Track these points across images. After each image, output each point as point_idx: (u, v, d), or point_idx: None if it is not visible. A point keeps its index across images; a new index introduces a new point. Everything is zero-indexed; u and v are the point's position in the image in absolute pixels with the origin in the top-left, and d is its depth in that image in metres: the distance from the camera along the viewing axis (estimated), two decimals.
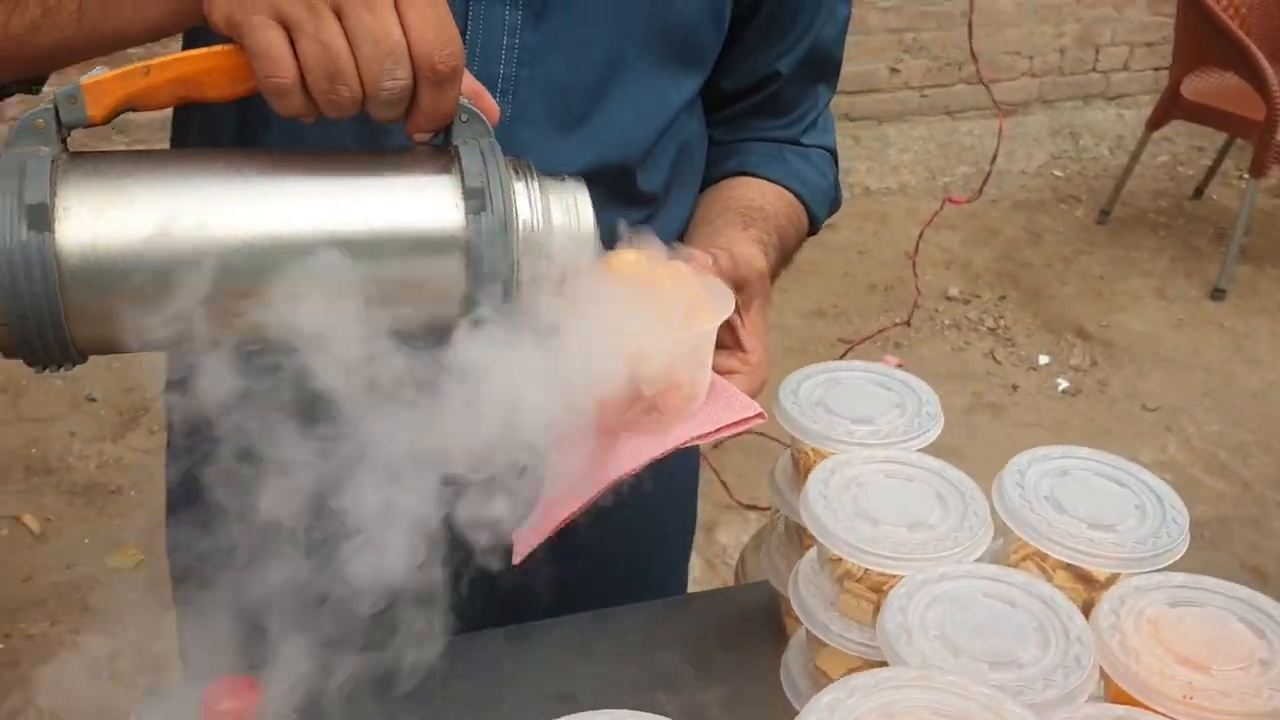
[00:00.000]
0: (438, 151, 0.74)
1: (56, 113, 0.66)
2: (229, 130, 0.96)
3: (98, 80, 0.66)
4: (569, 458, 0.77)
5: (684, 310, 0.79)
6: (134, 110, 0.68)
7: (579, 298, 0.73)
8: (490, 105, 0.77)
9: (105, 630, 0.89)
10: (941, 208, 3.28)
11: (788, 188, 1.17)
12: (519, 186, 0.74)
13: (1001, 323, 3.79)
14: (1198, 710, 0.69)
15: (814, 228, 1.22)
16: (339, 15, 0.67)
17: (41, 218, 0.62)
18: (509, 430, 0.70)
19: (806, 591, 0.89)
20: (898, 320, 3.47)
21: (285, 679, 0.97)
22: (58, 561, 2.86)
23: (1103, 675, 0.75)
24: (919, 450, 0.93)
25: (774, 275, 1.12)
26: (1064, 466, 0.90)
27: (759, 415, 0.84)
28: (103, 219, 0.64)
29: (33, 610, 2.74)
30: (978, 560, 0.84)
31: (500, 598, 1.14)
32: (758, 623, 1.04)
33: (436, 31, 0.69)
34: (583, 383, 0.72)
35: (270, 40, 0.66)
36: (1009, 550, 0.89)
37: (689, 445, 0.82)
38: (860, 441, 0.93)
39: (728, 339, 0.90)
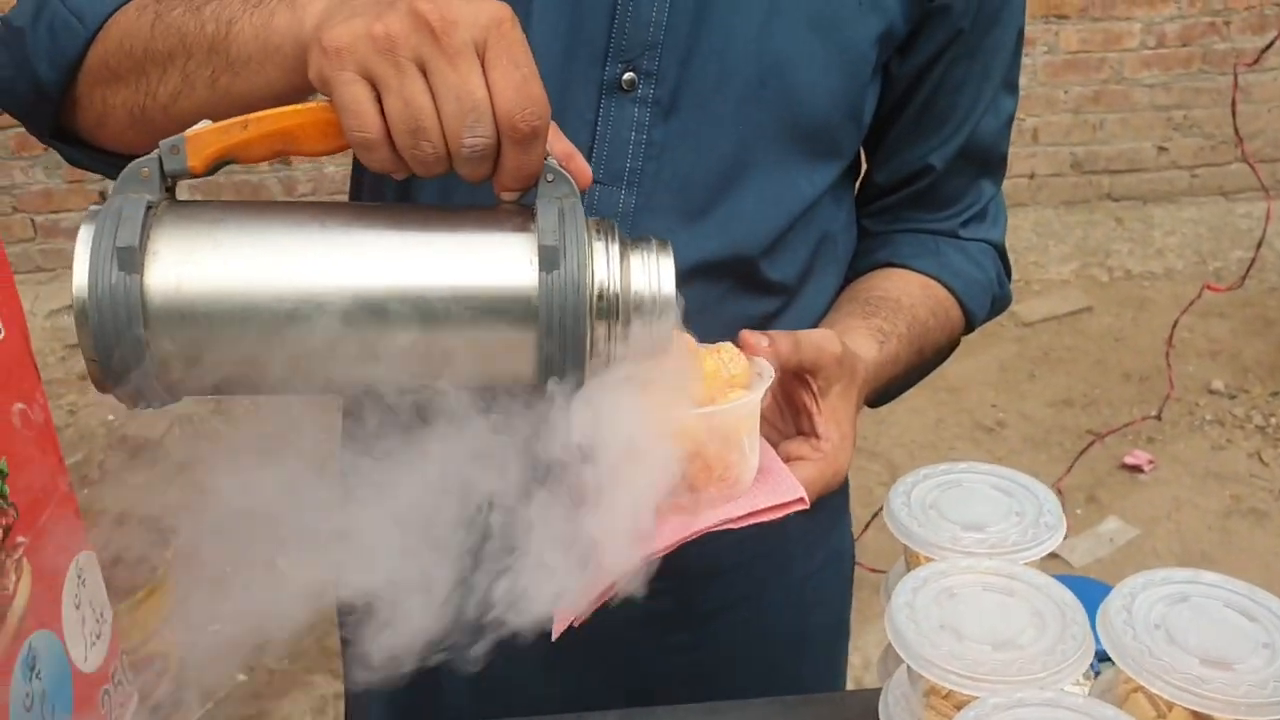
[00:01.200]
0: (521, 210, 0.75)
1: (160, 162, 0.70)
2: (390, 192, 1.02)
3: (199, 132, 0.70)
4: (607, 534, 0.78)
5: (719, 390, 0.78)
6: (234, 162, 0.72)
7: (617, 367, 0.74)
8: (581, 167, 0.77)
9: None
10: (1199, 294, 3.05)
11: (939, 280, 1.14)
12: (598, 247, 0.73)
13: (1272, 421, 3.48)
14: None
15: (971, 323, 1.18)
16: (425, 73, 0.69)
17: (130, 260, 0.66)
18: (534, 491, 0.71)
19: (896, 706, 0.86)
20: (1150, 414, 3.24)
21: None
22: (302, 601, 3.08)
23: None
24: (1028, 563, 0.88)
25: (908, 369, 1.09)
26: (1184, 592, 0.82)
27: (800, 500, 0.82)
28: (188, 263, 0.67)
29: (277, 645, 2.95)
30: (1081, 685, 0.78)
31: (632, 673, 1.16)
32: None
33: (519, 91, 0.70)
34: (608, 456, 0.72)
35: (356, 95, 0.69)
36: (1119, 681, 0.82)
37: (721, 528, 0.81)
38: (965, 550, 0.89)
39: (804, 425, 0.88)
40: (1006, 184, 1.21)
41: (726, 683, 1.19)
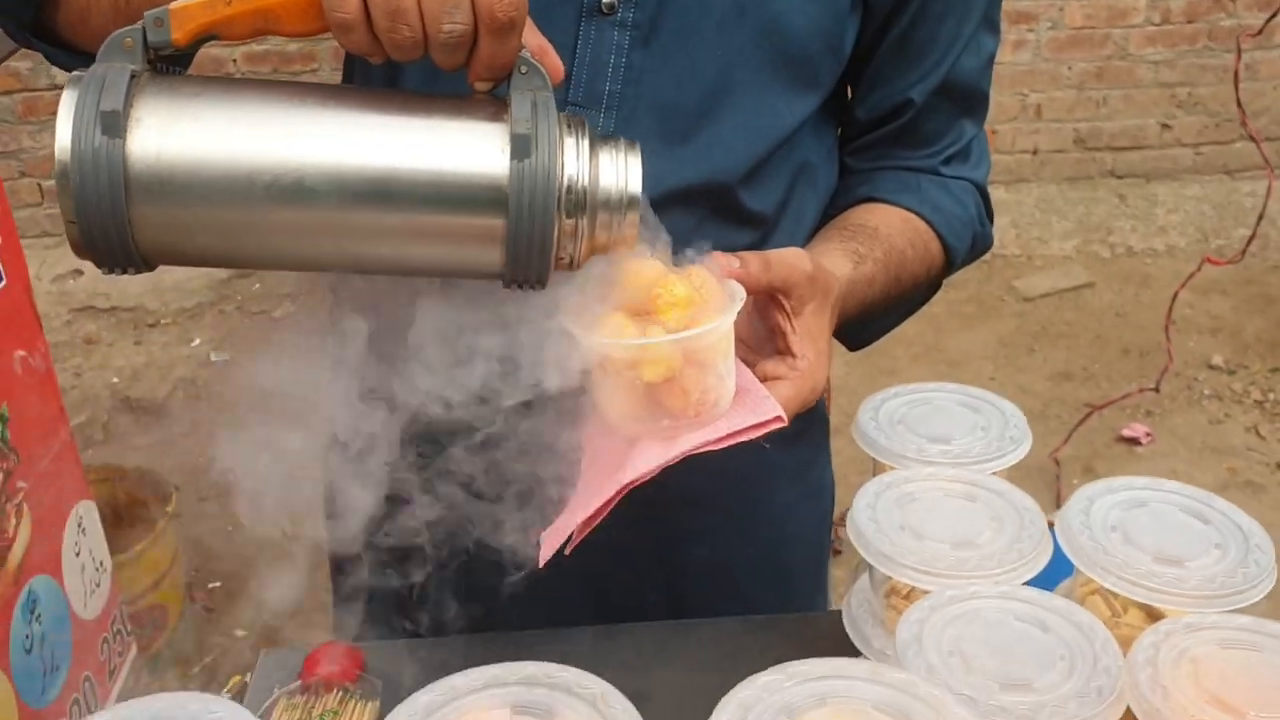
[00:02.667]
0: (495, 101, 0.75)
1: (144, 34, 0.71)
2: (377, 83, 1.02)
3: (184, 5, 0.71)
4: (590, 460, 0.78)
5: (691, 315, 0.78)
6: (216, 38, 0.73)
7: (588, 285, 0.75)
8: (555, 63, 0.78)
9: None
10: (1199, 269, 3.05)
11: (919, 214, 1.15)
12: (569, 141, 0.74)
13: (1271, 396, 3.48)
14: None
15: (951, 258, 1.19)
16: None
17: (114, 124, 0.67)
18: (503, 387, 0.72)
19: (859, 609, 0.88)
20: (1146, 385, 3.25)
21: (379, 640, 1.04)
22: (304, 563, 3.11)
23: (1131, 716, 0.70)
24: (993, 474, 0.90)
25: (885, 296, 1.10)
26: (1142, 498, 0.84)
27: (778, 419, 0.82)
28: (169, 132, 0.69)
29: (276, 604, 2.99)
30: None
31: (600, 598, 1.18)
32: (844, 648, 1.02)
33: None
34: (581, 382, 0.73)
35: None
36: (1076, 584, 0.84)
37: (702, 450, 0.81)
38: (930, 460, 0.91)
39: (779, 344, 0.89)
40: (1009, 160, 1.21)
41: (701, 614, 1.21)
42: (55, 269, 4.09)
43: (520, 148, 0.72)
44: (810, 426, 1.27)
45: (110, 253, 0.71)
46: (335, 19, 0.71)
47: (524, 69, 0.74)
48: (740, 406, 0.82)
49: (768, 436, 0.85)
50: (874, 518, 0.83)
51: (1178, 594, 0.76)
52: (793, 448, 1.23)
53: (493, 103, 0.75)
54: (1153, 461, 3.24)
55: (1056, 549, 0.84)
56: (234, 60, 4.05)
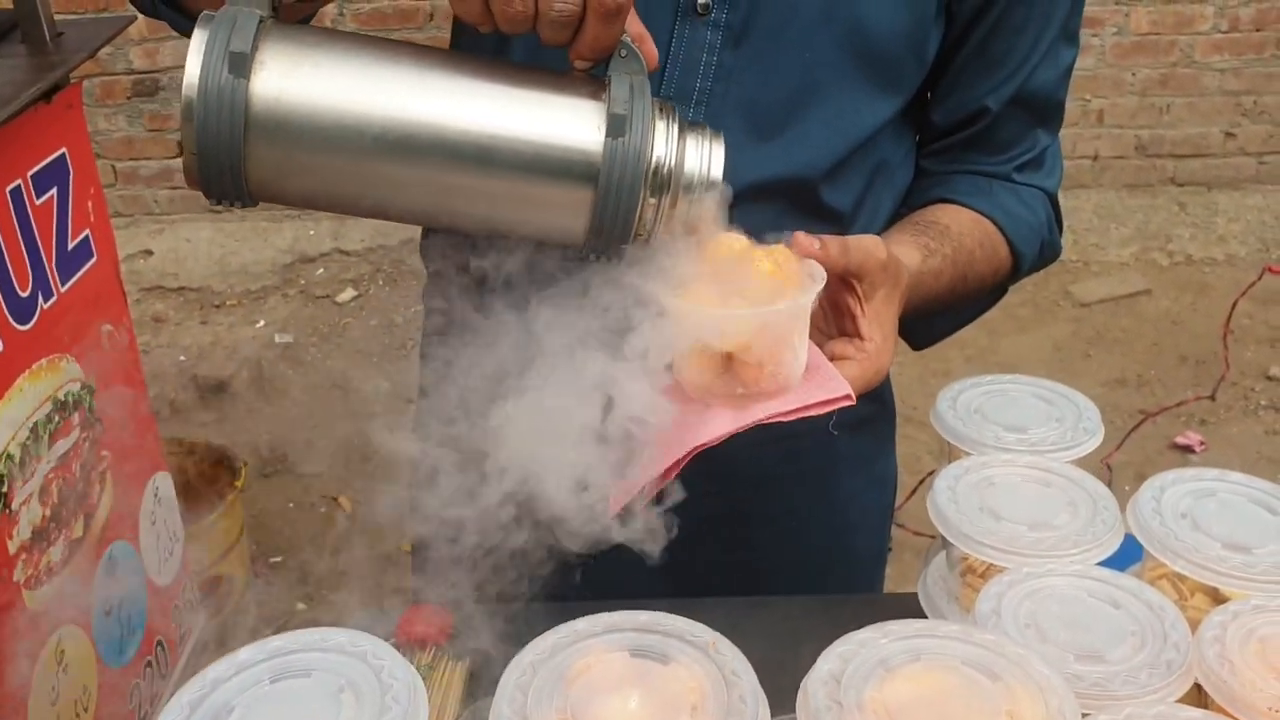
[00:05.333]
0: (595, 81, 0.79)
1: None
2: (485, 52, 1.08)
3: None
4: (664, 422, 0.81)
5: (771, 290, 0.82)
6: None
7: (675, 256, 0.79)
8: (651, 50, 0.82)
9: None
10: (1260, 278, 3.05)
11: (990, 218, 1.18)
12: (660, 125, 0.79)
13: None
14: None
15: (1018, 263, 1.23)
16: None
17: (240, 65, 0.71)
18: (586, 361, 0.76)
19: (934, 586, 0.92)
20: (1201, 394, 3.25)
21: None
22: (362, 540, 3.19)
23: (1199, 690, 0.73)
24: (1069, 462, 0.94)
25: (951, 292, 1.14)
26: (1212, 488, 0.88)
27: (846, 397, 0.85)
28: (290, 77, 0.73)
29: (336, 580, 3.07)
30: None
31: (673, 572, 1.23)
32: None
33: None
34: (657, 342, 0.76)
35: None
36: (1145, 568, 0.87)
37: (772, 421, 0.84)
38: (1007, 448, 0.95)
39: (849, 326, 0.93)
40: (1069, 165, 1.24)
41: (764, 593, 1.25)
42: (126, 249, 4.20)
43: (616, 127, 0.76)
44: (877, 418, 1.31)
45: (221, 185, 0.75)
46: None
47: (624, 53, 0.78)
48: (809, 382, 0.85)
49: (834, 422, 0.89)
50: (954, 499, 0.87)
51: (1246, 578, 0.80)
52: (859, 437, 1.27)
53: (591, 82, 0.80)
54: None
55: (1126, 537, 0.88)
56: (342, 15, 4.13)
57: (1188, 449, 3.30)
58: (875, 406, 1.28)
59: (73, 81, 1.90)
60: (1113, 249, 4.24)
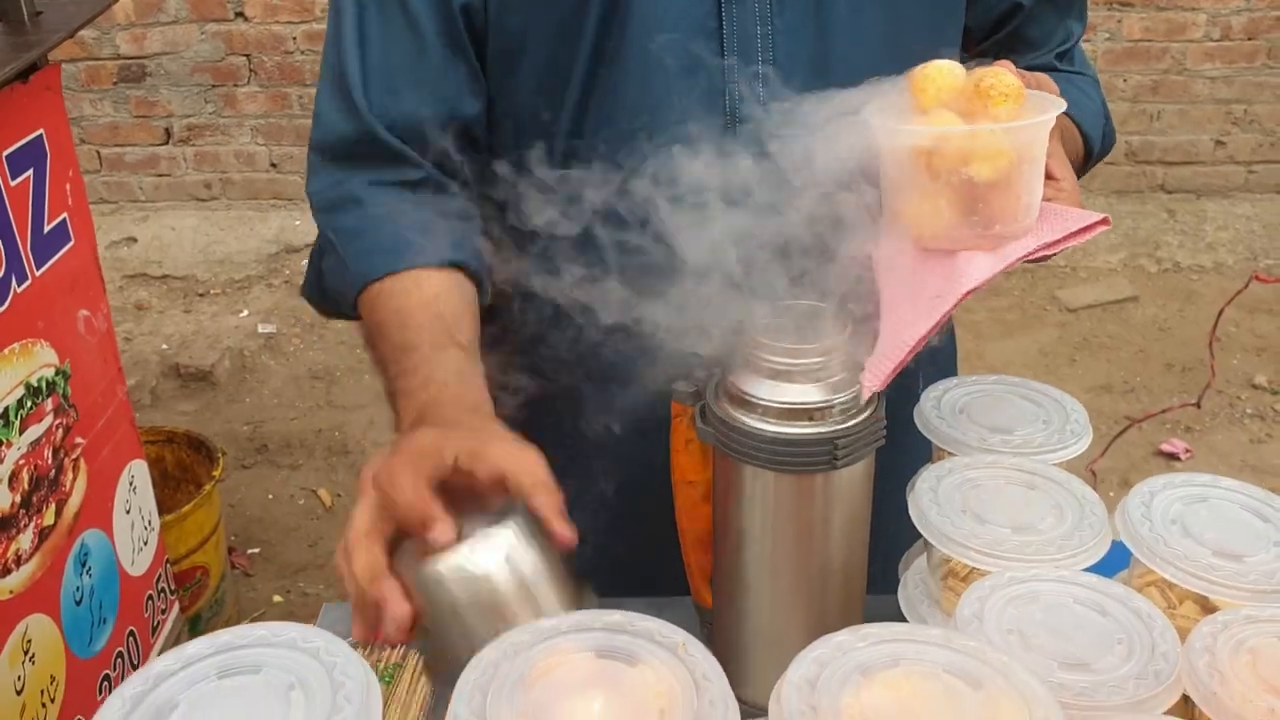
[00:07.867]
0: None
1: None
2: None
3: None
4: (887, 285, 0.77)
5: (1019, 109, 0.77)
6: None
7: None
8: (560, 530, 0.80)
9: None
10: (1246, 285, 3.03)
11: None
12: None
13: None
14: None
15: (1090, 146, 1.21)
16: None
17: None
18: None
19: (915, 590, 0.90)
20: (1187, 401, 3.24)
21: None
22: (340, 533, 3.15)
23: (1187, 701, 0.71)
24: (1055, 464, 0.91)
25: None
26: (1203, 494, 0.86)
27: (1104, 221, 0.80)
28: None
29: (313, 572, 3.04)
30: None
31: (649, 571, 1.20)
32: None
33: None
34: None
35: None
36: (1133, 576, 0.85)
37: (1038, 255, 0.79)
38: (992, 449, 0.92)
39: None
40: None
41: None
42: (109, 235, 4.16)
43: None
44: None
45: None
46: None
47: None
48: (1053, 220, 0.81)
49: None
50: (936, 501, 0.85)
51: (1236, 587, 0.78)
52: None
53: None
54: None
55: (1113, 543, 0.86)
56: (294, 39, 4.10)
57: (1173, 456, 3.29)
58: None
59: (52, 63, 1.87)
60: (1101, 255, 4.23)
